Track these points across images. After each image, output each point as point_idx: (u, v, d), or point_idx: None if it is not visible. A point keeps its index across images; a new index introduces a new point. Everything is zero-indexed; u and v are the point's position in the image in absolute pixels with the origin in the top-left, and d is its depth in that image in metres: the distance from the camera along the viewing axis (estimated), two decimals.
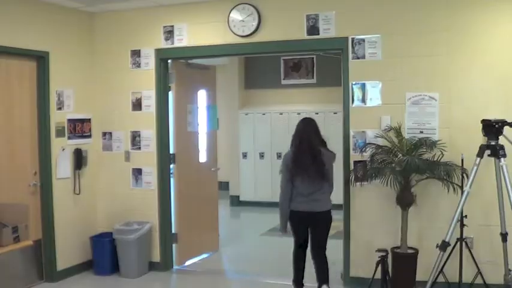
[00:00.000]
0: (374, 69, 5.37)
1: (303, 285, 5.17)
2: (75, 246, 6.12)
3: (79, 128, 6.16)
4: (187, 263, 6.52)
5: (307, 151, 4.88)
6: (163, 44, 6.13)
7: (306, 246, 5.08)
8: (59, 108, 5.92)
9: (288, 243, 6.47)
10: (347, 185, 5.46)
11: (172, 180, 6.36)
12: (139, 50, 6.22)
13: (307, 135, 4.94)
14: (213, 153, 7.13)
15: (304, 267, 5.12)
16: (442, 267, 4.84)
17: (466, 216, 4.83)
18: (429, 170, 4.89)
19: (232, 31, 5.81)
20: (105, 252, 6.10)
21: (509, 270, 4.81)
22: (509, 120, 4.61)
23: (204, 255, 6.86)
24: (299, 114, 9.93)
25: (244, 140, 10.60)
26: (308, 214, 4.92)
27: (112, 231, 6.10)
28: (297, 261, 5.13)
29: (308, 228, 5.01)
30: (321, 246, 5.01)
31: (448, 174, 4.87)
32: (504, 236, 4.83)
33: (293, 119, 10.04)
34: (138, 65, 6.23)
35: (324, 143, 5.04)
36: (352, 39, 5.42)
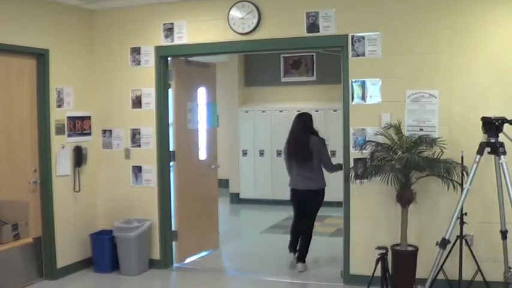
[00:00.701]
0: (374, 67, 5.37)
1: (296, 249, 6.21)
2: (75, 244, 6.12)
3: (79, 125, 6.16)
4: (187, 260, 6.53)
5: (294, 141, 6.11)
6: (163, 42, 6.13)
7: (304, 217, 6.16)
8: (59, 106, 5.92)
9: (287, 240, 6.49)
10: (347, 183, 5.46)
11: (172, 177, 6.36)
12: (139, 48, 6.22)
13: (297, 129, 6.16)
14: (213, 151, 7.13)
15: (299, 234, 6.24)
16: (442, 264, 4.84)
17: (466, 213, 4.82)
18: (429, 167, 4.90)
19: (232, 29, 5.81)
20: (105, 250, 6.10)
21: (509, 267, 4.81)
22: (509, 118, 4.60)
23: (204, 253, 6.86)
24: (299, 111, 9.89)
25: (244, 137, 10.59)
26: (302, 191, 6.07)
27: (112, 229, 6.10)
28: (293, 228, 6.33)
29: (304, 203, 6.12)
30: (308, 221, 6.15)
31: (448, 171, 4.87)
32: (504, 234, 4.83)
33: (293, 117, 9.92)
34: (138, 63, 6.23)
35: (314, 132, 6.11)
36: (352, 37, 5.42)
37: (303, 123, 6.15)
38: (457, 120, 5.15)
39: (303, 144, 6.00)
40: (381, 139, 5.21)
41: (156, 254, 6.26)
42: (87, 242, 6.22)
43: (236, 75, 10.80)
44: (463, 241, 4.87)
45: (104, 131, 6.41)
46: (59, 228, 5.89)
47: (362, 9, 5.41)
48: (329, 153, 6.21)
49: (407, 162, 4.77)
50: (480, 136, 4.76)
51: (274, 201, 10.28)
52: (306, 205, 6.13)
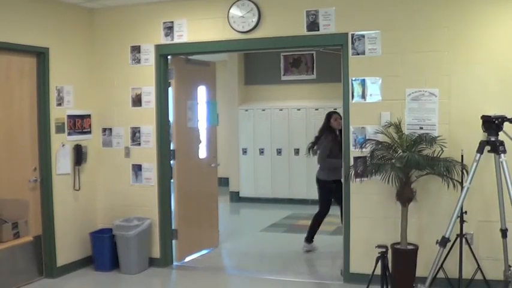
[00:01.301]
0: (374, 65, 5.36)
1: (311, 241, 6.86)
2: (75, 242, 6.12)
3: (79, 124, 6.16)
4: (187, 259, 6.53)
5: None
6: (163, 40, 6.13)
7: (323, 210, 6.89)
8: (59, 104, 5.92)
9: (287, 239, 6.50)
10: (347, 181, 5.46)
11: (172, 176, 6.36)
12: (139, 46, 6.22)
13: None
14: (213, 149, 7.13)
15: (316, 228, 6.88)
16: (442, 263, 4.84)
17: (466, 212, 4.83)
18: (429, 166, 4.89)
19: (232, 27, 5.80)
20: (105, 248, 6.10)
21: (509, 266, 4.81)
22: (509, 116, 4.60)
23: (204, 251, 6.86)
24: (299, 110, 9.96)
25: (244, 136, 10.59)
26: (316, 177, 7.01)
27: (112, 227, 6.11)
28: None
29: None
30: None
31: (448, 170, 4.86)
32: (504, 232, 4.83)
33: (293, 115, 10.08)
34: (138, 61, 6.23)
35: (330, 129, 6.75)
36: (352, 35, 5.41)
37: (324, 120, 6.93)
38: (457, 119, 5.14)
39: (316, 139, 6.94)
40: (380, 137, 5.20)
41: (156, 253, 6.26)
42: (87, 241, 6.22)
43: (236, 74, 10.80)
44: (463, 240, 4.87)
45: (104, 130, 6.41)
46: (59, 227, 5.89)
47: (362, 8, 5.40)
48: (325, 147, 6.69)
49: (408, 161, 4.77)
50: (480, 134, 4.76)
51: (274, 200, 10.30)
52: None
